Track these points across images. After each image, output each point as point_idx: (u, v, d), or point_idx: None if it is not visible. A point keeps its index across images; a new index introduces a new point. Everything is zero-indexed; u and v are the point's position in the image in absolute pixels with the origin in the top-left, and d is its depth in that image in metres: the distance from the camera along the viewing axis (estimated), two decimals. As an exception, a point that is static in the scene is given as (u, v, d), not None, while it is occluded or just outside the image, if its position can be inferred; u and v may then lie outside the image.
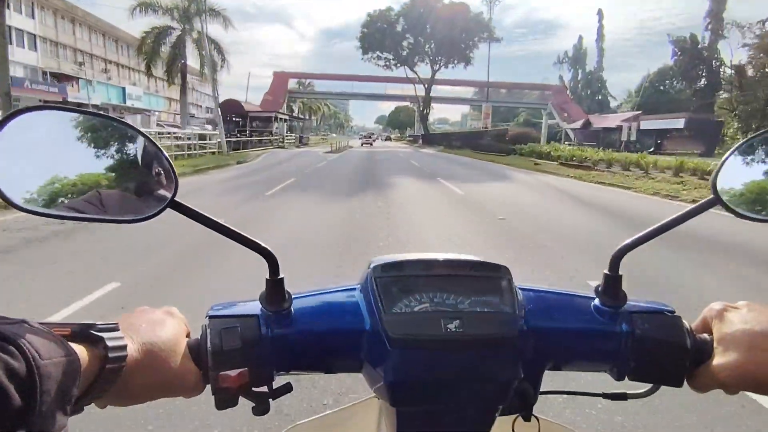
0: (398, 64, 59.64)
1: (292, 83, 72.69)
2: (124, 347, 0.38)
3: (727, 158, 0.49)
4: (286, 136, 45.32)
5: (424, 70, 59.44)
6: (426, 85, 58.67)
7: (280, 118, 44.92)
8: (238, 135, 36.46)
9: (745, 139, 0.50)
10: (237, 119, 40.28)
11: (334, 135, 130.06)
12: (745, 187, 0.50)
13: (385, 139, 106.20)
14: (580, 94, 76.96)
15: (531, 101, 77.63)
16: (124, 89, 46.18)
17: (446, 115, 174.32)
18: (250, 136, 38.53)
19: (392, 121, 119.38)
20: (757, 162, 0.50)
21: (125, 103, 44.18)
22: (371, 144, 62.76)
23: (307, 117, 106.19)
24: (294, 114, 74.25)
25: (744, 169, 0.50)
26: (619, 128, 39.88)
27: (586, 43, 77.08)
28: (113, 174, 0.46)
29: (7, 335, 0.29)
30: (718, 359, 0.44)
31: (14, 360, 0.28)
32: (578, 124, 48.02)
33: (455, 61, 58.37)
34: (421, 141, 63.90)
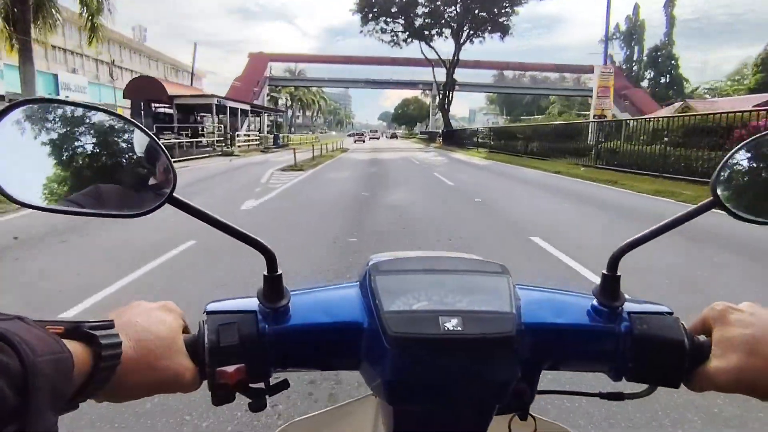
0: (409, 39, 44.63)
1: (277, 70, 57.15)
2: (118, 345, 0.38)
3: (727, 160, 0.49)
4: (248, 135, 30.07)
5: (441, 47, 44.11)
6: (449, 65, 43.36)
7: (236, 110, 29.78)
8: (158, 134, 21.63)
9: (745, 141, 0.49)
10: (164, 110, 25.46)
11: (334, 133, 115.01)
12: (745, 189, 0.50)
13: (391, 137, 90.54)
14: (637, 76, 61.30)
15: (565, 87, 62.09)
16: (55, 77, 33.69)
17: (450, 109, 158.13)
18: (179, 135, 23.68)
19: (399, 116, 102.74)
20: (757, 164, 0.50)
21: (58, 95, 31.59)
22: (364, 141, 57.90)
23: (301, 112, 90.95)
24: (275, 107, 59.21)
25: (744, 171, 0.50)
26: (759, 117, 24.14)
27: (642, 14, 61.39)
28: (112, 168, 0.46)
29: (2, 333, 0.29)
30: (716, 362, 0.44)
31: (7, 357, 0.28)
32: (663, 113, 32.54)
33: (486, 31, 43.32)
34: (441, 139, 48.55)
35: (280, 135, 38.90)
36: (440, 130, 53.43)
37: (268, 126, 55.49)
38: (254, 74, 52.81)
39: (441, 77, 45.35)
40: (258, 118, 38.88)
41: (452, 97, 45.75)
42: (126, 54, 56.61)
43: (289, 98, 72.64)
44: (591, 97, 60.21)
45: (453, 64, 43.35)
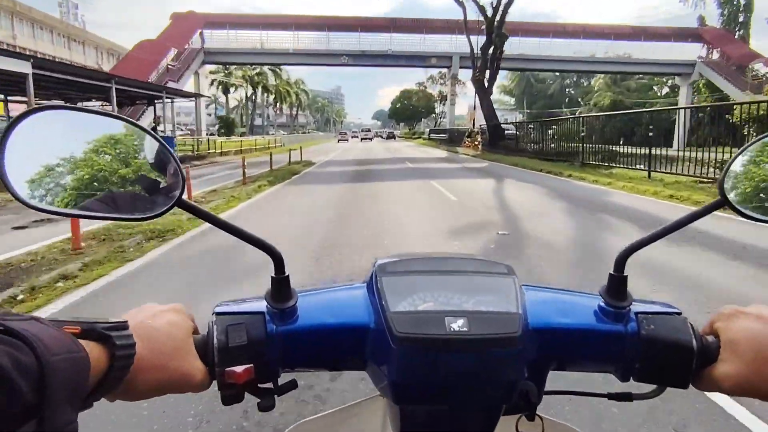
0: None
1: (235, 43, 37.72)
2: (132, 346, 0.39)
3: (734, 159, 0.49)
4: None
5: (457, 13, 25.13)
6: (486, 17, 24.61)
7: (139, 94, 11.29)
8: None
9: (752, 140, 0.50)
10: None
11: (321, 134, 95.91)
12: (753, 189, 0.50)
13: (387, 137, 71.13)
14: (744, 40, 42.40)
15: (609, 59, 43.36)
16: None
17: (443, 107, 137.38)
18: None
19: (397, 111, 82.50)
20: (765, 163, 0.50)
21: None
22: (347, 140, 58.01)
23: (277, 107, 71.55)
24: (226, 98, 40.08)
25: (752, 170, 0.50)
26: None
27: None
28: (124, 173, 0.47)
29: (18, 332, 0.30)
30: (722, 366, 0.44)
31: (24, 356, 0.29)
32: None
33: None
34: (470, 140, 29.54)
35: (175, 143, 19.64)
36: (470, 127, 34.31)
37: (211, 124, 36.51)
38: (173, 42, 33.51)
39: (464, 48, 26.66)
40: (151, 112, 19.98)
41: (497, 68, 26.65)
42: (42, 34, 38.86)
43: (248, 85, 53.21)
44: (680, 75, 41.33)
45: (501, 11, 24.35)
